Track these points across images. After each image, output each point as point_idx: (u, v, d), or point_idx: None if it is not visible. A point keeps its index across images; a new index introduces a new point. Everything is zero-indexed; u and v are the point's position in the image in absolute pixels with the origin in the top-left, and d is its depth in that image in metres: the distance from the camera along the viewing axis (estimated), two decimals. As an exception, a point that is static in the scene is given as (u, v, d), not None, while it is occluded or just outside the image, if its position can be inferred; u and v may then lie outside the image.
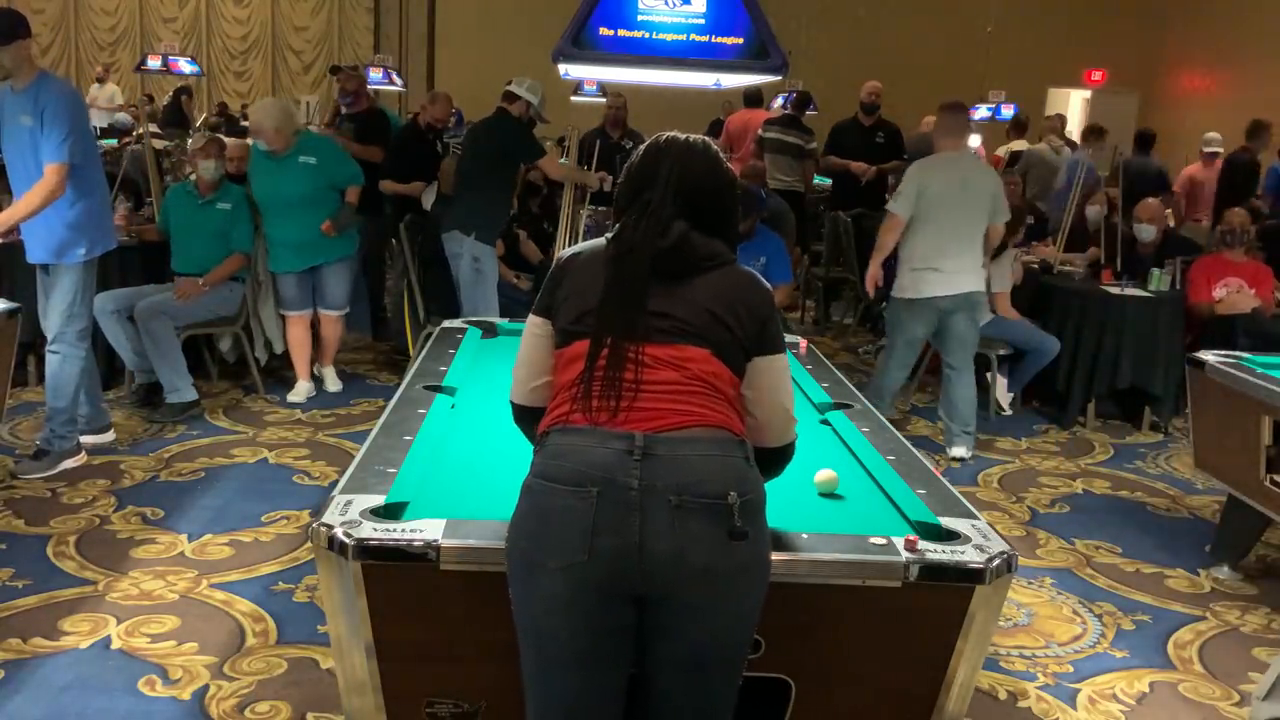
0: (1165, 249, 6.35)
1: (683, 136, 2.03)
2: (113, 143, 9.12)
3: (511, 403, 2.09)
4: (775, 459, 2.03)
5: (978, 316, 5.34)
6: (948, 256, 5.08)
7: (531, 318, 2.03)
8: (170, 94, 13.83)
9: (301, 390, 5.71)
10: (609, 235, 1.99)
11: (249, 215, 5.60)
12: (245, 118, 13.67)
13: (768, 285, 2.01)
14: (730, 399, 1.91)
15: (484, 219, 5.64)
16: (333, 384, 5.86)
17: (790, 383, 2.02)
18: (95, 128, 10.80)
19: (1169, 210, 7.96)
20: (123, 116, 12.07)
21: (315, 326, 5.87)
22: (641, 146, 2.05)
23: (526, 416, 2.06)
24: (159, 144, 7.83)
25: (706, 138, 2.06)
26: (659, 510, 1.77)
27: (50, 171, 4.22)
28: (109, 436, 4.87)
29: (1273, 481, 3.72)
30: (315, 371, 5.85)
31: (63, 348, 4.47)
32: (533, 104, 5.72)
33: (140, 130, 7.55)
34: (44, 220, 4.40)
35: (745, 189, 5.95)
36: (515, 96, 5.72)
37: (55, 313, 4.47)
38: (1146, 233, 6.35)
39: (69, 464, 4.56)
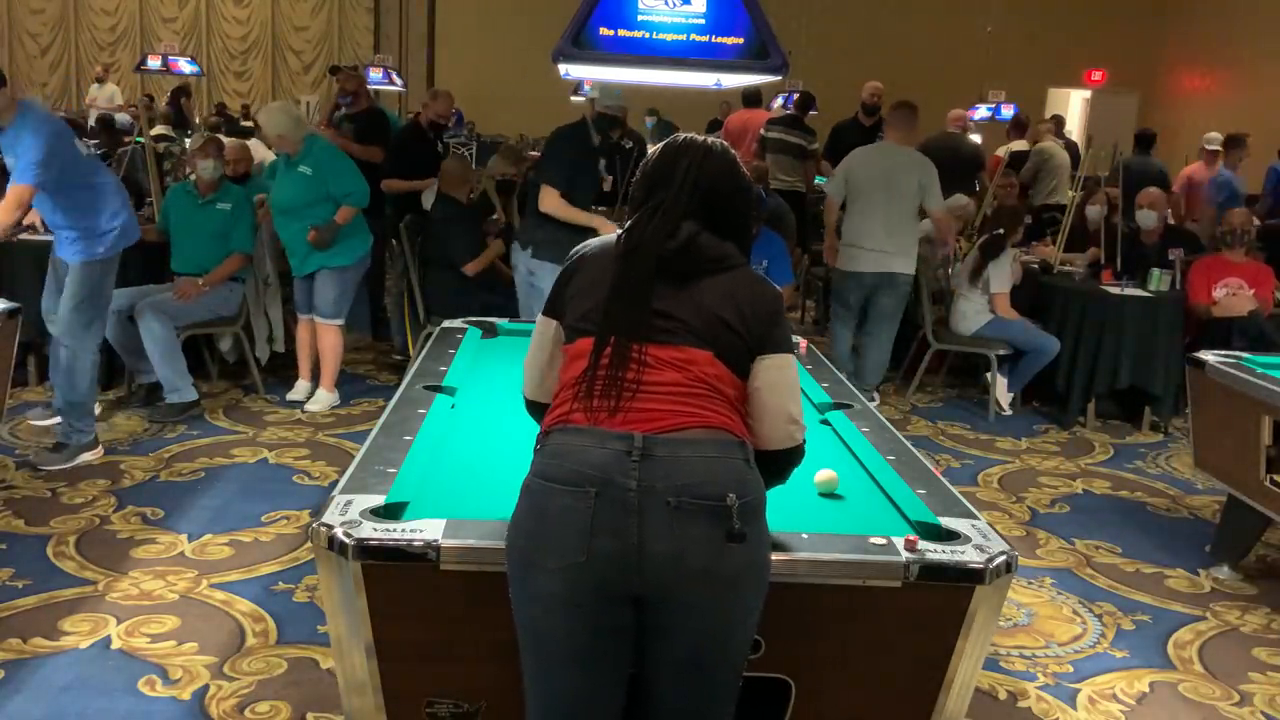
0: (1167, 241, 6.36)
1: (700, 138, 2.03)
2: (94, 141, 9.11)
3: (525, 398, 2.12)
4: (779, 463, 1.98)
5: (902, 295, 5.93)
6: (874, 237, 5.75)
7: (541, 316, 2.05)
8: (169, 95, 13.82)
9: (300, 389, 5.71)
10: (619, 232, 1.99)
11: (249, 215, 5.60)
12: (245, 118, 13.71)
13: (776, 289, 2.01)
14: (732, 401, 1.91)
15: (541, 234, 5.17)
16: (318, 403, 5.58)
17: (797, 386, 1.98)
18: (94, 128, 10.81)
19: (1169, 210, 7.97)
20: (122, 117, 12.08)
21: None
22: (659, 145, 2.05)
23: (540, 411, 2.07)
24: (161, 145, 7.82)
25: (722, 142, 2.06)
26: (657, 511, 1.77)
27: (11, 191, 4.21)
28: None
29: (1273, 481, 3.72)
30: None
31: (71, 341, 4.50)
32: (595, 99, 5.33)
33: (142, 130, 7.54)
34: (62, 224, 4.47)
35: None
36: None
37: (66, 307, 4.52)
38: (1148, 218, 6.35)
39: (87, 457, 4.59)
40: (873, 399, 5.94)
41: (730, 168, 2.00)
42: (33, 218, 4.72)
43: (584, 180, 5.24)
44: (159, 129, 9.40)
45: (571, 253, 2.04)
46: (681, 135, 2.04)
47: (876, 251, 5.75)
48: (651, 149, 2.08)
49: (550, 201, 5.09)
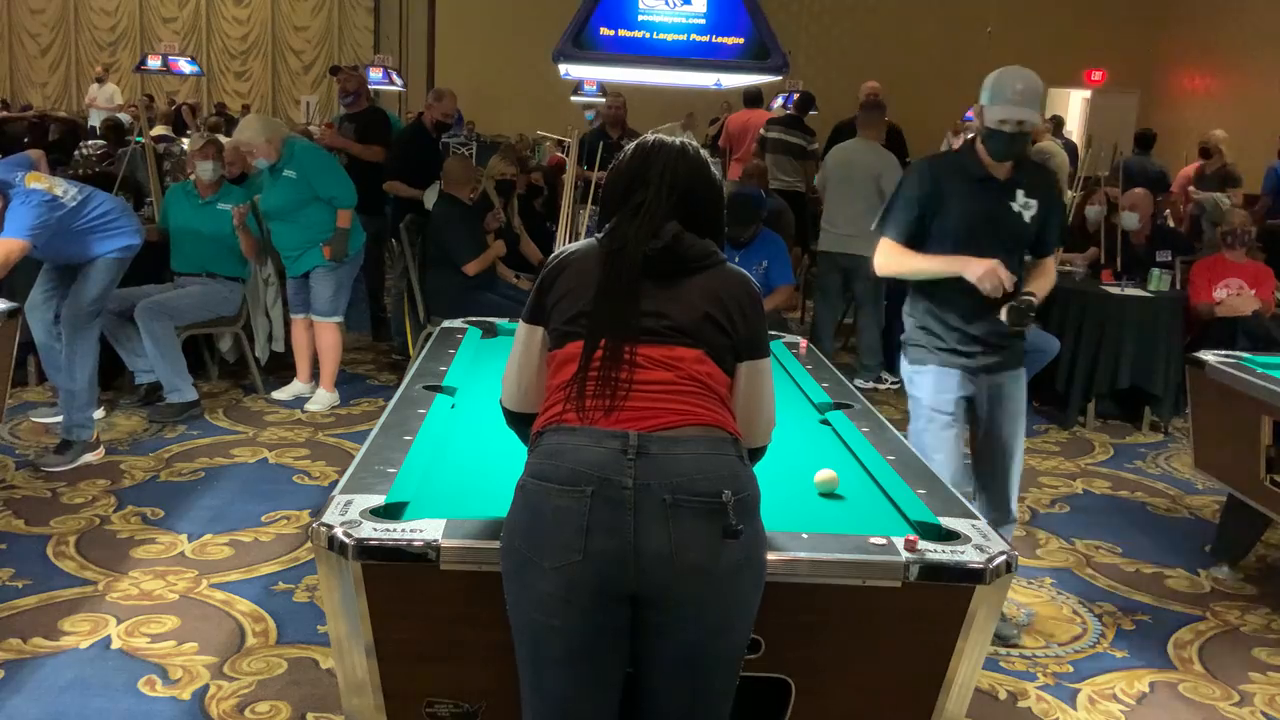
0: (1155, 242, 6.38)
1: (669, 139, 2.03)
2: (100, 142, 9.11)
3: (503, 408, 2.09)
4: (752, 459, 2.01)
5: (870, 276, 6.05)
6: (838, 221, 6.53)
7: (523, 324, 2.02)
8: (172, 106, 13.80)
9: (291, 389, 5.71)
10: (599, 235, 1.99)
11: (253, 214, 5.61)
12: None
13: (758, 287, 2.03)
14: (723, 398, 1.92)
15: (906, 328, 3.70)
16: (318, 403, 5.59)
17: (772, 387, 2.03)
18: (93, 127, 10.83)
19: (1168, 211, 7.97)
20: (122, 116, 12.09)
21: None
22: (629, 146, 2.06)
23: (520, 421, 2.07)
24: (160, 145, 7.82)
25: (692, 141, 2.06)
26: (653, 509, 1.77)
27: (2, 242, 4.18)
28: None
29: (1273, 481, 3.72)
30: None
31: (71, 331, 4.53)
32: (984, 110, 3.25)
33: (142, 129, 7.54)
34: (64, 252, 4.51)
35: (747, 194, 5.98)
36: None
37: (73, 297, 4.55)
38: (1129, 220, 6.37)
39: (88, 457, 4.59)
40: (882, 380, 6.59)
41: (704, 167, 2.01)
42: None
43: (958, 222, 3.29)
44: (158, 129, 9.40)
45: (550, 258, 2.03)
46: (651, 136, 2.05)
47: (840, 234, 6.52)
48: (625, 149, 2.07)
49: (879, 257, 3.39)
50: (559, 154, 9.55)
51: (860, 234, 6.22)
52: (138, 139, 7.67)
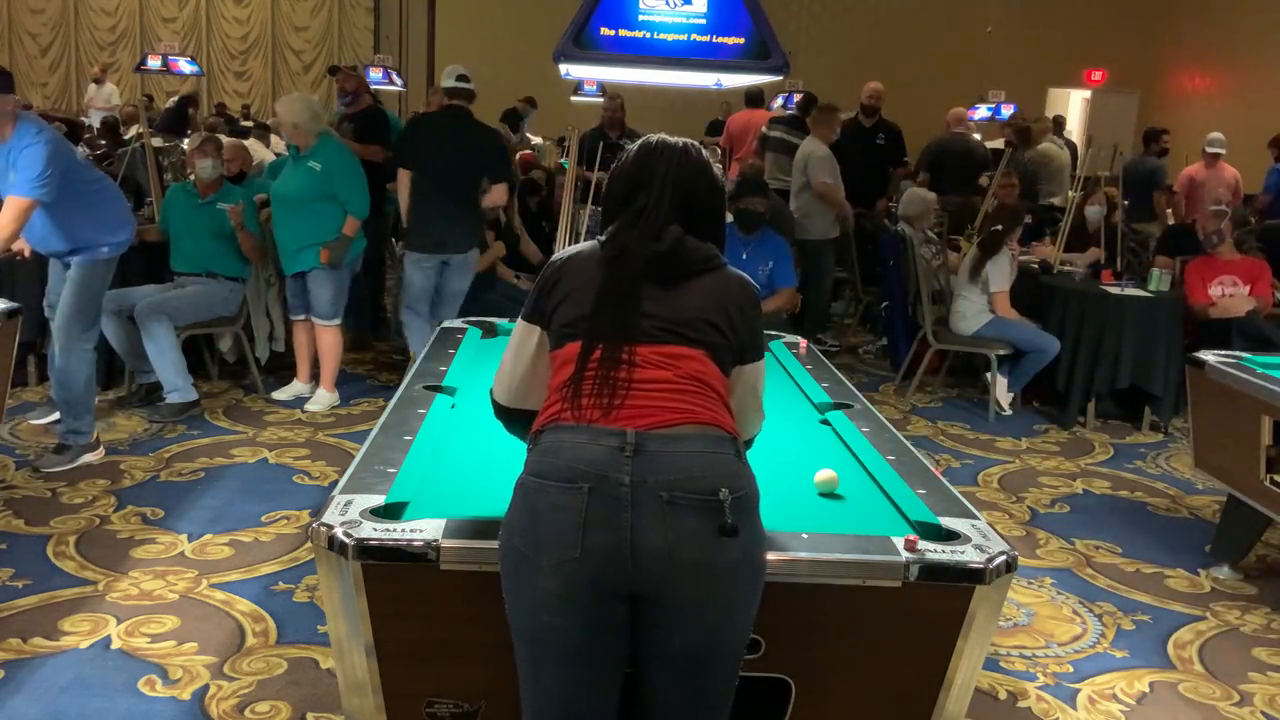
0: (1170, 238, 6.40)
1: (673, 140, 2.03)
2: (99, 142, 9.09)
3: (494, 401, 2.11)
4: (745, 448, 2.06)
5: (806, 252, 7.25)
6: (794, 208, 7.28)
7: (521, 322, 2.03)
8: (175, 101, 13.76)
9: (291, 390, 5.71)
10: (601, 237, 1.99)
11: (251, 213, 5.60)
12: (245, 118, 13.70)
13: (757, 289, 2.03)
14: (722, 397, 1.93)
15: None
16: (318, 403, 5.59)
17: (763, 384, 2.08)
18: (92, 127, 10.82)
19: (1169, 210, 7.98)
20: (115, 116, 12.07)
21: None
22: (631, 148, 2.05)
23: (511, 416, 2.09)
24: (157, 143, 7.82)
25: (694, 141, 2.06)
26: (650, 506, 1.77)
27: (9, 204, 4.12)
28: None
29: (1273, 481, 3.72)
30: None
31: (66, 339, 4.49)
32: None
33: (140, 129, 7.54)
34: (59, 226, 4.41)
35: (752, 175, 6.16)
36: None
37: (64, 305, 4.51)
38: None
39: (89, 458, 4.59)
40: (821, 343, 7.11)
41: (705, 168, 2.02)
42: (20, 245, 4.54)
43: None
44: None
45: (550, 260, 2.03)
46: (654, 137, 2.04)
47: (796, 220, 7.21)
48: (627, 150, 2.07)
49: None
50: (529, 151, 9.51)
51: (800, 215, 7.22)
52: (134, 141, 7.67)
